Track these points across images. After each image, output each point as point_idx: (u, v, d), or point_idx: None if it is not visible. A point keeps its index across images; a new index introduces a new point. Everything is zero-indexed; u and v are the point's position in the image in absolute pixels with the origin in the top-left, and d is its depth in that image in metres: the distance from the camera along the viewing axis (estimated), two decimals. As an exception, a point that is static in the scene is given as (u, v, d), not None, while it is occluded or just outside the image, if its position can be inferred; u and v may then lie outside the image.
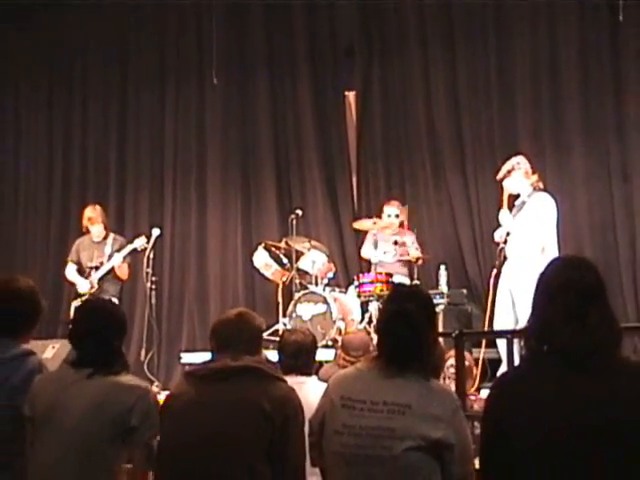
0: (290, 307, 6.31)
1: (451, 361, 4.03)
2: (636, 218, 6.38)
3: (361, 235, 7.05)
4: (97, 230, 6.57)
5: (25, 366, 2.79)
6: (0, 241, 8.35)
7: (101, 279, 6.44)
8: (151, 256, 6.66)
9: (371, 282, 6.15)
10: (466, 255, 6.97)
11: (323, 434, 2.34)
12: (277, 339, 3.61)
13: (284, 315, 6.38)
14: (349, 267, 7.39)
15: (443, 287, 6.16)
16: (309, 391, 2.90)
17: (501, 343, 5.03)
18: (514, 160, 5.47)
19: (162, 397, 2.84)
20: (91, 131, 8.26)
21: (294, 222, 6.73)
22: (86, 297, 6.32)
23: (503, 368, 4.88)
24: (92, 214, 6.58)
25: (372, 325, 5.80)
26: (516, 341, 4.04)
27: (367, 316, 6.13)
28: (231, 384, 2.48)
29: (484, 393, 4.72)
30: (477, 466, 2.06)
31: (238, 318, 2.69)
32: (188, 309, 7.73)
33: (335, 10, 7.66)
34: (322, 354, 5.44)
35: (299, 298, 6.30)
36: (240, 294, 7.60)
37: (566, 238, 5.70)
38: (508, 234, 5.40)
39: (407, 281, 6.27)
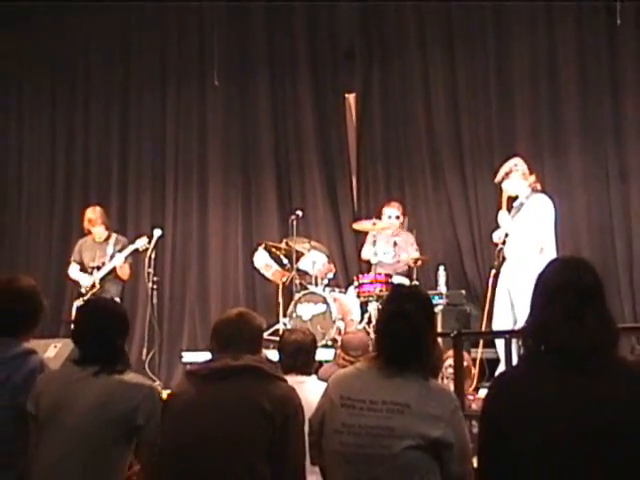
0: (290, 307, 6.31)
1: (449, 361, 4.03)
2: (633, 219, 6.37)
3: (361, 236, 7.05)
4: (98, 231, 6.57)
5: (27, 365, 2.79)
6: (3, 241, 8.36)
7: (103, 279, 6.44)
8: (152, 256, 6.66)
9: (370, 283, 6.15)
10: (465, 256, 6.97)
11: (323, 433, 2.34)
12: (277, 339, 3.61)
13: (284, 315, 6.38)
14: (349, 268, 7.39)
15: (442, 288, 6.16)
16: (309, 390, 2.90)
17: (500, 343, 5.03)
18: (511, 162, 5.48)
19: (163, 396, 2.83)
20: (93, 131, 8.27)
21: (294, 223, 6.73)
22: (88, 297, 6.33)
23: (501, 368, 4.88)
24: (92, 216, 6.58)
25: (371, 325, 5.80)
26: (514, 341, 4.04)
27: (366, 316, 6.14)
28: (232, 383, 2.48)
29: (482, 393, 4.73)
30: (475, 465, 2.06)
31: (239, 318, 2.69)
32: (189, 309, 7.73)
33: (335, 13, 7.66)
34: (322, 354, 5.44)
35: (299, 298, 6.30)
36: (241, 294, 7.60)
37: (564, 239, 5.70)
38: (507, 235, 5.40)
39: (406, 282, 6.26)
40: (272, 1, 7.77)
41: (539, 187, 5.44)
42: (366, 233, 6.86)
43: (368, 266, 6.80)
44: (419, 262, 6.47)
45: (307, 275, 6.58)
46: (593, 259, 5.32)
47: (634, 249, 6.34)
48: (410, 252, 6.56)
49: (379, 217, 6.69)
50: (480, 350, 5.38)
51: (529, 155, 6.49)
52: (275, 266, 6.70)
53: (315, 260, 6.50)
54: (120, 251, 6.47)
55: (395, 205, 6.78)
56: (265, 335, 2.85)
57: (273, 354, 3.51)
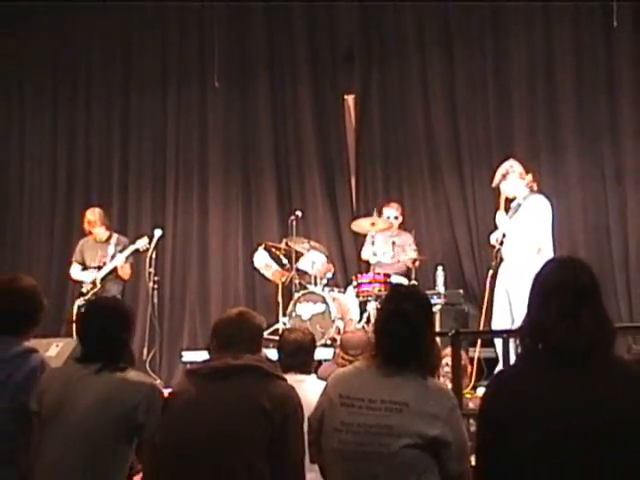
0: (290, 306, 6.30)
1: (446, 359, 4.03)
2: (629, 219, 6.39)
3: (360, 237, 7.04)
4: (99, 232, 6.57)
5: (28, 364, 2.79)
6: (5, 241, 8.35)
7: (104, 279, 6.45)
8: (153, 256, 6.67)
9: (369, 282, 6.15)
10: (463, 256, 6.97)
11: (322, 431, 2.34)
12: (277, 338, 3.61)
13: (284, 314, 6.38)
14: (348, 267, 7.39)
15: (440, 287, 6.16)
16: (308, 389, 2.90)
17: (498, 342, 5.04)
18: (507, 164, 5.49)
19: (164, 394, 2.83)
20: (94, 131, 8.25)
21: (294, 223, 6.73)
22: (89, 296, 6.34)
23: (500, 367, 4.89)
24: (91, 217, 6.59)
25: (370, 324, 5.80)
26: (512, 340, 4.04)
27: (365, 316, 6.14)
28: (231, 382, 2.48)
29: (480, 391, 4.73)
30: (473, 463, 2.06)
31: (239, 317, 2.69)
32: (189, 308, 7.73)
33: (335, 14, 7.66)
34: (321, 353, 5.45)
35: (299, 298, 6.30)
36: (241, 294, 7.60)
37: (561, 239, 5.71)
38: (504, 236, 5.41)
39: (405, 281, 6.27)
40: (272, 1, 7.77)
41: (536, 187, 5.45)
42: (365, 234, 6.85)
43: (367, 266, 6.80)
44: (417, 262, 6.47)
45: (306, 275, 6.58)
46: (589, 259, 5.36)
47: (630, 249, 6.35)
48: (409, 252, 6.56)
49: (380, 215, 6.69)
50: (478, 349, 5.39)
51: (526, 155, 6.52)
52: (275, 266, 6.70)
53: (314, 260, 6.50)
54: (121, 251, 6.47)
55: (394, 206, 6.79)
56: (265, 334, 2.85)
57: (272, 353, 3.51)
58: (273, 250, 6.74)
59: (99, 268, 6.46)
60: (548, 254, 5.06)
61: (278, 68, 7.84)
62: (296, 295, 6.36)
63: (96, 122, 8.24)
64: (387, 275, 6.27)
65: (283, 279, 6.70)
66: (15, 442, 2.70)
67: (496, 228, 5.53)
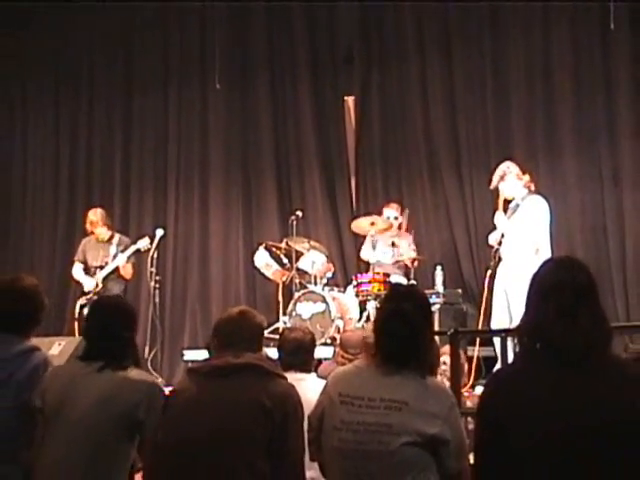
0: (290, 306, 6.31)
1: (443, 358, 4.04)
2: (626, 220, 6.39)
3: (360, 236, 7.04)
4: (101, 232, 6.58)
5: (31, 362, 2.79)
6: (8, 240, 8.35)
7: (105, 278, 6.45)
8: (155, 256, 6.68)
9: (369, 282, 6.15)
10: (461, 256, 6.98)
11: (322, 430, 2.34)
12: (277, 337, 3.61)
13: (284, 314, 6.38)
14: (347, 267, 7.40)
15: (439, 287, 6.16)
16: (308, 388, 2.90)
17: (497, 341, 5.04)
18: (504, 166, 5.50)
19: (166, 393, 2.84)
20: (97, 131, 8.24)
21: (294, 223, 6.73)
22: (91, 295, 6.34)
23: (498, 366, 4.89)
24: (93, 218, 6.59)
25: (369, 324, 5.81)
26: (510, 339, 4.05)
27: (365, 315, 6.14)
28: (232, 381, 2.48)
29: (479, 390, 4.73)
30: (472, 461, 2.06)
31: (240, 316, 2.69)
32: (191, 307, 7.73)
33: (335, 17, 7.66)
34: (321, 352, 5.45)
35: (299, 297, 6.31)
36: (241, 293, 7.60)
37: (558, 239, 5.70)
38: (503, 236, 5.41)
39: (404, 281, 6.27)
40: (272, 2, 7.77)
41: (533, 187, 5.46)
42: (365, 234, 6.85)
43: (366, 266, 6.80)
44: (416, 262, 6.47)
45: (307, 274, 6.58)
46: (587, 259, 5.38)
47: (626, 249, 6.35)
48: (408, 252, 6.56)
49: (380, 215, 6.69)
50: (477, 348, 5.39)
51: (524, 156, 6.53)
52: (275, 266, 6.70)
53: (314, 260, 6.50)
54: (123, 251, 6.48)
55: (394, 206, 6.79)
56: (265, 333, 2.85)
57: (273, 352, 3.51)
58: (273, 250, 6.74)
59: (101, 268, 6.46)
60: (546, 254, 5.07)
61: (278, 69, 7.84)
62: (296, 294, 6.37)
63: (98, 122, 8.24)
64: (386, 275, 6.27)
65: (283, 278, 6.70)
66: (18, 439, 2.70)
67: (494, 228, 5.53)
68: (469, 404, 4.07)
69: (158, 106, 8.10)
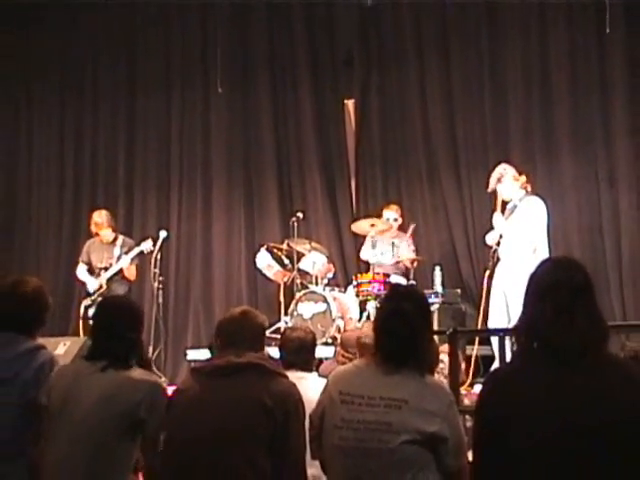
0: (291, 306, 6.31)
1: (440, 356, 4.03)
2: (622, 220, 6.38)
3: (360, 237, 7.04)
4: (105, 234, 6.58)
5: (37, 360, 2.79)
6: (13, 241, 8.33)
7: (110, 280, 6.45)
8: (158, 257, 6.68)
9: (369, 282, 6.15)
10: (460, 257, 6.97)
11: (323, 428, 2.34)
12: (279, 336, 3.61)
13: (286, 314, 6.38)
14: (348, 268, 7.40)
15: (438, 287, 6.16)
16: (309, 387, 2.90)
17: (495, 340, 5.05)
18: (500, 168, 5.50)
19: (169, 392, 2.83)
20: (101, 132, 8.21)
21: (295, 225, 6.74)
22: (95, 297, 6.34)
23: (496, 364, 4.89)
24: (99, 219, 6.59)
25: (363, 323, 5.81)
26: (508, 338, 4.05)
27: (365, 315, 6.14)
28: (234, 380, 2.48)
29: (477, 388, 4.73)
30: (471, 459, 2.06)
31: (242, 316, 2.69)
32: (194, 308, 7.73)
33: (335, 21, 7.67)
34: (322, 351, 5.45)
35: (300, 297, 6.31)
36: (244, 293, 7.60)
37: (555, 239, 5.71)
38: (501, 236, 5.41)
39: (404, 281, 6.27)
40: (273, 5, 7.78)
41: (530, 188, 5.47)
42: (365, 235, 6.85)
43: (367, 266, 6.80)
44: (416, 262, 6.47)
45: (308, 275, 6.58)
46: (583, 259, 5.37)
47: (623, 249, 6.35)
48: (407, 253, 6.56)
49: (379, 216, 6.70)
50: (475, 347, 5.39)
51: (522, 157, 6.54)
52: (277, 266, 6.70)
53: (315, 260, 6.50)
54: (127, 253, 6.48)
55: (394, 208, 6.79)
56: (267, 333, 2.85)
57: (274, 352, 3.51)
58: (275, 251, 6.74)
59: (105, 269, 6.47)
60: (543, 254, 5.07)
61: (279, 72, 7.84)
62: (297, 295, 6.37)
63: (102, 123, 8.22)
64: (386, 275, 6.27)
65: (285, 279, 6.70)
66: (24, 436, 2.69)
67: (492, 228, 5.54)
68: (467, 402, 4.07)
69: (161, 107, 8.09)
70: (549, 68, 6.72)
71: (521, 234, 5.26)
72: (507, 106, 6.88)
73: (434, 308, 5.85)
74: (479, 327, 5.52)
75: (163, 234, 6.74)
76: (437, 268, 6.27)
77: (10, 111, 8.47)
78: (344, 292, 6.51)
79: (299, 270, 6.61)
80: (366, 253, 6.78)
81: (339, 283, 6.98)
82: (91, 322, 3.00)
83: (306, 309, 6.24)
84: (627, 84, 6.42)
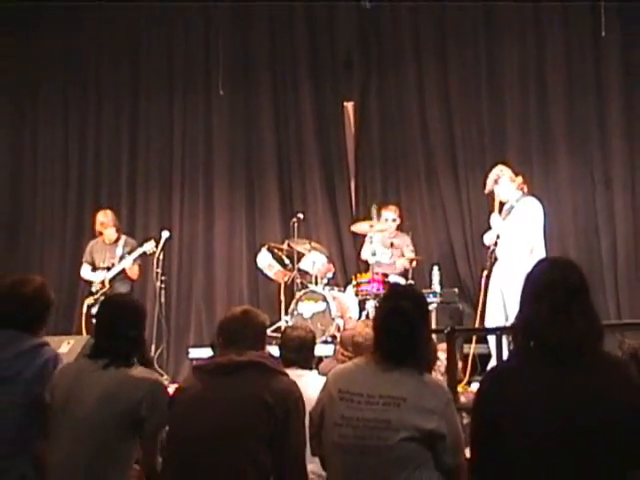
0: (292, 305, 6.31)
1: (438, 355, 4.03)
2: (617, 221, 6.39)
3: (359, 238, 7.04)
4: (109, 233, 6.59)
5: (41, 356, 2.77)
6: (18, 240, 8.33)
7: (112, 279, 6.46)
8: (161, 257, 6.68)
9: (368, 282, 6.15)
10: (457, 257, 6.97)
11: (323, 425, 2.34)
12: (279, 335, 3.61)
13: (286, 313, 6.38)
14: (347, 267, 7.40)
15: (436, 287, 6.16)
16: (308, 385, 2.90)
17: (492, 339, 5.05)
18: (497, 169, 5.51)
19: (171, 390, 2.83)
20: (105, 133, 8.20)
21: (296, 225, 6.74)
22: (98, 295, 6.35)
23: (493, 363, 4.89)
24: (104, 219, 6.60)
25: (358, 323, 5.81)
26: (505, 337, 4.05)
27: (364, 314, 6.14)
28: (235, 378, 2.49)
29: (475, 386, 4.73)
30: (468, 456, 2.06)
31: (243, 315, 2.69)
32: (195, 307, 7.73)
33: (335, 25, 7.67)
34: (322, 349, 5.45)
35: (300, 297, 6.31)
36: (245, 293, 7.60)
37: (552, 240, 5.71)
38: (498, 237, 5.42)
39: (402, 281, 6.27)
40: (274, 9, 7.79)
41: (526, 189, 5.47)
42: (365, 235, 6.86)
43: (366, 266, 6.81)
44: (414, 262, 6.47)
45: (308, 275, 6.58)
46: (579, 259, 5.39)
47: (618, 249, 6.35)
48: (406, 253, 6.56)
49: (378, 217, 6.70)
50: (473, 346, 5.40)
51: (519, 158, 6.54)
52: (277, 266, 6.70)
53: (315, 260, 6.50)
54: (129, 253, 6.49)
55: (392, 208, 6.79)
56: (268, 332, 2.85)
57: (275, 350, 3.51)
58: (276, 251, 6.74)
59: (108, 269, 6.48)
60: (540, 254, 5.07)
61: (280, 75, 7.84)
62: (298, 294, 6.37)
63: (106, 123, 8.20)
64: (385, 275, 6.27)
65: (285, 279, 6.70)
66: (29, 431, 2.68)
67: (489, 228, 5.54)
68: (464, 400, 4.07)
69: (163, 108, 8.08)
70: (545, 70, 6.73)
71: (518, 234, 5.26)
72: (504, 107, 6.89)
73: (432, 307, 5.85)
74: (476, 326, 5.52)
75: (165, 234, 6.74)
76: (435, 268, 6.27)
77: (15, 111, 8.46)
78: (344, 292, 6.51)
79: (299, 270, 6.61)
80: (366, 254, 6.78)
81: (339, 283, 6.98)
82: (94, 320, 2.96)
83: (306, 308, 6.24)
84: (622, 86, 6.42)
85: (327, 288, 6.41)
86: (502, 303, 5.24)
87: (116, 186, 8.11)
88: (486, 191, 5.53)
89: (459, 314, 6.22)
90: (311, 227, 7.43)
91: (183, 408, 2.53)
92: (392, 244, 6.56)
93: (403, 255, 6.58)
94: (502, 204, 5.51)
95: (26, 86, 8.44)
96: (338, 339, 4.88)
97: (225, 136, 7.91)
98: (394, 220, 6.73)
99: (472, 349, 5.36)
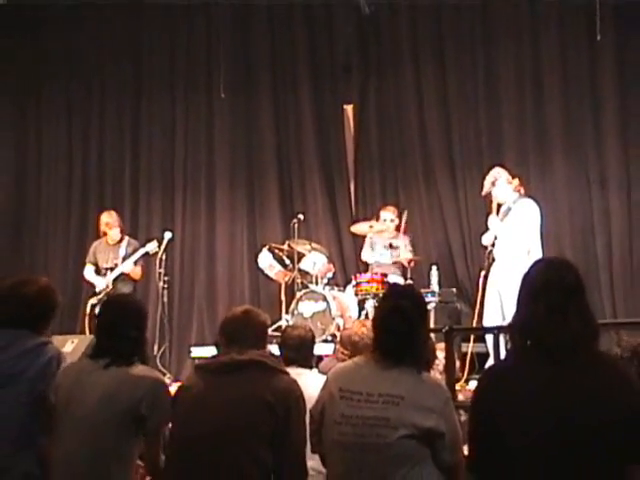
0: (292, 305, 6.31)
1: (437, 353, 4.04)
2: (612, 221, 6.39)
3: (359, 238, 7.05)
4: (114, 234, 6.60)
5: (44, 354, 2.76)
6: (23, 242, 8.33)
7: (115, 279, 6.46)
8: (163, 257, 6.68)
9: (367, 282, 6.15)
10: (455, 257, 6.97)
11: (323, 423, 2.34)
12: (280, 334, 3.61)
13: (287, 312, 6.38)
14: (347, 267, 7.40)
15: (434, 286, 6.16)
16: (308, 383, 2.89)
17: (489, 338, 5.06)
18: (494, 172, 5.51)
19: (173, 388, 2.83)
20: (108, 133, 8.20)
21: (296, 226, 6.74)
22: (102, 296, 6.35)
23: (490, 361, 4.90)
24: (109, 219, 6.61)
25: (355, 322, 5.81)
26: (502, 336, 4.05)
27: (364, 313, 6.14)
28: (237, 377, 2.49)
29: (473, 384, 4.73)
30: (466, 452, 2.06)
31: (244, 315, 2.70)
32: (197, 306, 7.73)
33: (334, 30, 7.68)
34: (322, 348, 5.46)
35: (301, 296, 6.31)
36: (246, 293, 7.60)
37: (548, 240, 5.70)
38: (496, 238, 5.42)
39: (401, 281, 6.27)
40: (274, 15, 7.79)
41: (523, 190, 5.48)
42: (364, 236, 6.86)
43: (365, 266, 6.82)
44: (413, 262, 6.47)
45: (308, 275, 6.58)
46: (575, 259, 5.38)
47: (614, 249, 6.35)
48: (405, 253, 6.56)
49: (377, 219, 6.70)
50: (470, 345, 5.40)
51: (515, 159, 6.55)
52: (278, 266, 6.70)
53: (315, 261, 6.50)
54: (132, 253, 6.49)
55: (390, 209, 6.79)
56: (269, 331, 2.85)
57: (275, 349, 3.52)
58: (276, 251, 6.74)
59: (111, 269, 6.48)
60: (537, 255, 5.07)
61: (281, 78, 7.85)
62: (298, 294, 6.37)
63: (109, 124, 8.20)
64: (384, 275, 6.27)
65: (286, 279, 6.70)
66: (33, 429, 2.67)
67: (487, 229, 5.54)
68: (462, 398, 4.08)
69: (165, 110, 8.08)
70: (541, 72, 6.73)
71: (515, 236, 5.26)
72: (501, 109, 6.89)
73: (431, 307, 5.85)
74: (474, 325, 5.52)
75: (168, 235, 6.75)
76: (434, 268, 6.27)
77: (18, 112, 8.45)
78: (343, 291, 6.51)
79: (300, 270, 6.61)
80: (366, 254, 6.79)
81: (338, 282, 6.97)
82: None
83: (306, 308, 6.24)
84: (616, 87, 6.42)
85: (327, 288, 6.41)
86: (499, 303, 5.24)
87: (119, 186, 8.11)
88: (483, 193, 5.53)
89: (457, 313, 6.23)
90: (311, 227, 7.43)
91: (185, 407, 2.53)
92: (391, 245, 6.56)
93: (400, 255, 6.58)
94: (499, 206, 5.51)
95: (29, 87, 8.42)
96: (338, 338, 4.88)
97: (226, 137, 7.92)
98: (392, 220, 6.73)
99: (470, 348, 5.36)
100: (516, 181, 5.46)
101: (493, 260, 5.44)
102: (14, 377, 2.69)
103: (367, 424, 2.20)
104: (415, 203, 7.28)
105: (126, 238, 6.69)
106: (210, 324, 7.39)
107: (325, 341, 5.90)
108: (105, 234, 6.64)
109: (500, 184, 5.42)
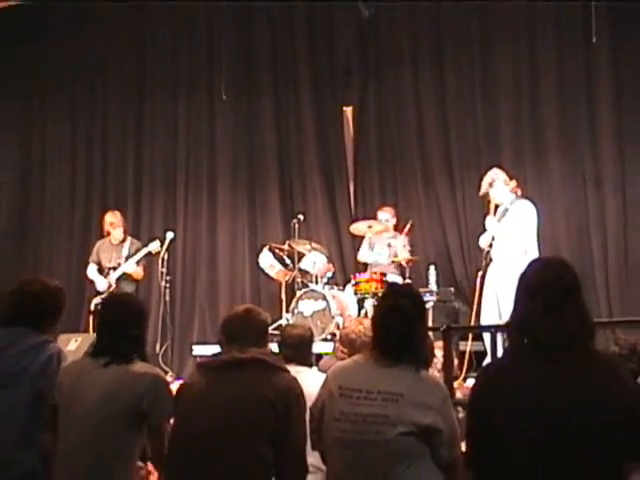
0: (292, 304, 6.32)
1: (435, 352, 4.03)
2: (608, 221, 6.38)
3: (358, 239, 7.04)
4: (117, 233, 6.62)
5: (45, 352, 2.75)
6: (27, 241, 8.34)
7: (118, 279, 6.47)
8: (165, 257, 6.69)
9: (366, 281, 6.16)
10: (453, 256, 6.97)
11: (323, 420, 2.34)
12: (279, 333, 3.61)
13: (287, 311, 6.38)
14: (347, 267, 7.40)
15: (432, 286, 6.16)
16: (307, 381, 2.89)
17: (487, 337, 5.05)
18: (491, 173, 5.51)
19: (175, 386, 2.83)
20: (111, 133, 8.21)
21: (296, 226, 6.75)
22: (105, 295, 6.35)
23: (488, 360, 4.89)
24: (113, 219, 6.63)
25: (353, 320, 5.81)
26: (499, 335, 4.05)
27: (363, 312, 6.14)
28: (238, 375, 2.49)
29: (470, 382, 4.74)
30: (464, 449, 2.06)
31: (245, 313, 2.70)
32: (199, 305, 7.74)
33: (334, 33, 7.68)
34: (322, 347, 5.46)
35: (301, 295, 6.31)
36: (247, 292, 7.60)
37: (544, 240, 5.70)
38: (493, 238, 5.42)
39: (400, 280, 6.27)
40: (275, 18, 7.79)
41: (520, 192, 5.48)
42: (363, 237, 6.86)
43: (364, 266, 6.81)
44: (411, 262, 6.47)
45: (308, 274, 6.59)
46: (571, 258, 5.38)
47: (609, 249, 6.34)
48: (403, 253, 6.56)
49: (375, 218, 6.70)
50: (468, 343, 5.40)
51: (512, 160, 6.54)
52: (278, 266, 6.70)
53: (315, 260, 6.51)
54: (135, 253, 6.50)
55: (387, 209, 6.80)
56: (269, 330, 2.85)
57: (274, 347, 3.52)
58: (277, 251, 6.74)
59: (114, 269, 6.49)
60: (533, 255, 5.06)
61: (282, 80, 7.84)
62: (298, 293, 6.37)
63: (112, 124, 8.21)
64: (383, 274, 6.27)
65: (286, 278, 6.70)
66: (35, 426, 2.67)
67: (484, 230, 5.54)
68: (459, 395, 4.08)
69: (168, 110, 8.08)
70: (538, 73, 6.71)
71: (512, 236, 5.27)
72: (498, 110, 6.88)
73: (429, 306, 5.84)
74: (472, 324, 5.52)
75: (170, 235, 6.76)
76: (432, 267, 6.27)
77: (22, 112, 8.45)
78: (343, 290, 6.51)
79: (300, 269, 6.61)
80: (364, 254, 6.79)
81: (338, 282, 6.97)
82: (98, 319, 2.95)
83: (306, 307, 6.24)
84: (612, 88, 6.41)
85: (327, 287, 6.41)
86: (496, 302, 5.24)
87: (122, 186, 8.12)
88: (481, 194, 5.54)
89: (455, 312, 6.22)
90: (311, 228, 7.43)
91: (187, 404, 2.54)
92: (389, 244, 6.55)
93: (397, 255, 6.58)
94: (497, 207, 5.51)
95: (33, 87, 8.44)
96: (337, 337, 4.88)
97: (228, 138, 7.92)
98: (386, 221, 6.72)
99: (468, 346, 5.36)
100: (513, 182, 5.46)
101: (490, 260, 5.45)
102: (15, 376, 2.69)
103: (366, 421, 2.20)
104: (414, 203, 7.26)
105: (129, 238, 6.71)
106: (211, 323, 7.39)
107: (325, 340, 5.90)
108: (109, 234, 6.65)
109: (497, 185, 5.43)
